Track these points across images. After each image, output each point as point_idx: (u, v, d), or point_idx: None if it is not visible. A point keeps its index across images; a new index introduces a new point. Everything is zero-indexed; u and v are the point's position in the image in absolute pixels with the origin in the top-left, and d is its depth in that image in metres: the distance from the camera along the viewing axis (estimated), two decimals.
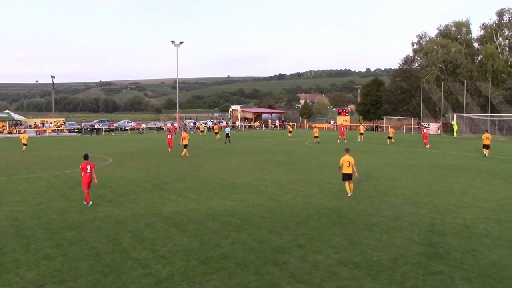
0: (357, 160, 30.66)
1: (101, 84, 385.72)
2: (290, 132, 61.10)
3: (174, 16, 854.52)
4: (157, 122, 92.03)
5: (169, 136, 39.70)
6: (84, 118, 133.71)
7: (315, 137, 48.95)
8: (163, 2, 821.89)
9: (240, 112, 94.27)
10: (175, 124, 76.81)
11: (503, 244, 11.87)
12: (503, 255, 11.03)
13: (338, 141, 49.87)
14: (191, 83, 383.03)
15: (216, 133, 56.74)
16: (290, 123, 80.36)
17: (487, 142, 34.05)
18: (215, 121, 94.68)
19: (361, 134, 53.44)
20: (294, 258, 10.84)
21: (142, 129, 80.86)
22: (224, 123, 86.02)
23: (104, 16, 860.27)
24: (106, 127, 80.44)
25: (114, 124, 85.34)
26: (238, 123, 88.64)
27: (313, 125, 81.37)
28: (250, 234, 12.90)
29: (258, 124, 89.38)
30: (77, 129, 78.82)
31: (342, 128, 56.61)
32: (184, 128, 54.04)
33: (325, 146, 43.76)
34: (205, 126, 74.70)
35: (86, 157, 17.45)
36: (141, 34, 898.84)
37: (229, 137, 50.85)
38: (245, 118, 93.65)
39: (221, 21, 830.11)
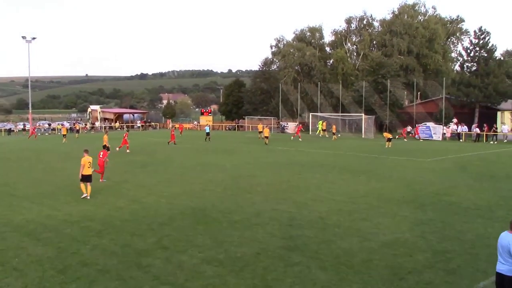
0: (220, 160, 31.31)
1: None
2: (260, 132, 52.80)
3: (25, 9, 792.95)
4: (7, 124, 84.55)
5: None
6: None
7: (266, 137, 46.66)
8: None
9: (100, 112, 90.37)
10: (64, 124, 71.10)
11: (354, 233, 12.90)
12: (353, 243, 11.99)
13: (292, 138, 51.85)
14: (45, 81, 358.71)
15: (64, 135, 51.77)
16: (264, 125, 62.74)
17: (388, 136, 43.69)
18: (73, 121, 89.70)
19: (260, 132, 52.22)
20: (158, 260, 10.71)
21: None
22: (83, 124, 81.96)
23: None
24: None
25: None
26: (97, 124, 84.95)
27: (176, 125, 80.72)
28: (112, 238, 12.46)
29: (119, 124, 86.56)
30: None
31: (298, 128, 56.71)
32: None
33: (187, 147, 43.77)
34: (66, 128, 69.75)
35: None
36: None
37: (209, 135, 51.04)
38: (105, 119, 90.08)
39: (78, 16, 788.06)
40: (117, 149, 36.94)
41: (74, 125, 73.34)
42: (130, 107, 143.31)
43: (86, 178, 18.06)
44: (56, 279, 9.57)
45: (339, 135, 59.30)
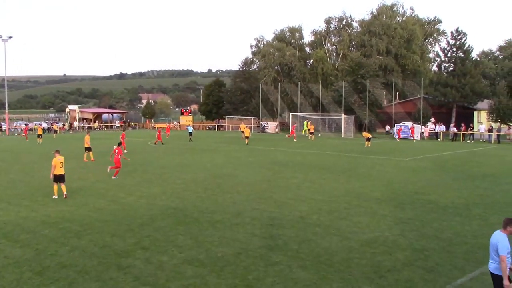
0: (201, 159, 31.22)
1: None
2: (242, 133, 49.83)
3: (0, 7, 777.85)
4: None
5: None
6: None
7: (246, 137, 45.72)
8: None
9: (78, 112, 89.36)
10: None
11: (333, 232, 12.99)
12: (333, 242, 12.07)
13: (291, 138, 51.08)
14: (22, 81, 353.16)
15: (39, 135, 49.85)
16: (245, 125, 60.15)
17: (367, 135, 43.73)
18: (51, 122, 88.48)
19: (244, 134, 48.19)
20: (139, 260, 10.64)
21: None
22: (61, 124, 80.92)
23: None
24: None
25: None
26: (76, 124, 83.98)
27: (161, 125, 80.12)
28: (91, 239, 12.34)
29: (98, 125, 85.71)
30: None
31: (293, 127, 56.55)
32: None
33: (168, 147, 43.54)
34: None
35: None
36: None
37: (191, 135, 50.83)
38: (84, 119, 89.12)
39: (55, 15, 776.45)
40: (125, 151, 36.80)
41: (52, 125, 72.30)
42: (109, 107, 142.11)
43: (58, 178, 17.96)
44: (34, 281, 9.45)
45: (319, 134, 59.65)
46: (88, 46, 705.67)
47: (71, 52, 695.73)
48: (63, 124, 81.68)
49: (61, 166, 17.92)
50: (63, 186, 17.97)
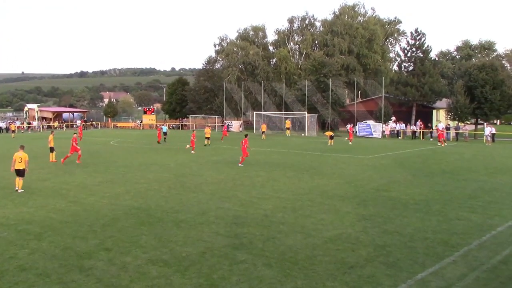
0: (164, 159, 30.94)
1: None
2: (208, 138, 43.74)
3: None
4: None
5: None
6: None
7: (207, 137, 42.96)
8: None
9: (37, 111, 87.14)
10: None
11: (298, 230, 13.09)
12: (297, 239, 12.17)
13: (350, 143, 44.45)
14: None
15: None
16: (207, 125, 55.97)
17: (330, 134, 43.81)
18: (9, 121, 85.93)
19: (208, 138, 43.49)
20: (101, 262, 10.46)
21: None
22: (18, 123, 78.66)
23: None
24: None
25: None
26: (35, 123, 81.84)
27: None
28: (52, 241, 12.06)
29: (58, 124, 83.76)
30: None
31: (351, 129, 49.68)
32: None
33: (131, 146, 42.98)
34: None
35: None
36: None
37: (166, 135, 48.46)
38: (43, 118, 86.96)
39: (13, 10, 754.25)
40: (188, 149, 36.59)
41: (9, 124, 70.17)
42: (69, 106, 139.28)
43: (17, 173, 18.71)
44: None
45: (287, 133, 59.89)
46: (47, 44, 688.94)
47: (30, 49, 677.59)
48: (22, 123, 79.41)
49: (20, 161, 18.59)
50: (20, 181, 18.76)
